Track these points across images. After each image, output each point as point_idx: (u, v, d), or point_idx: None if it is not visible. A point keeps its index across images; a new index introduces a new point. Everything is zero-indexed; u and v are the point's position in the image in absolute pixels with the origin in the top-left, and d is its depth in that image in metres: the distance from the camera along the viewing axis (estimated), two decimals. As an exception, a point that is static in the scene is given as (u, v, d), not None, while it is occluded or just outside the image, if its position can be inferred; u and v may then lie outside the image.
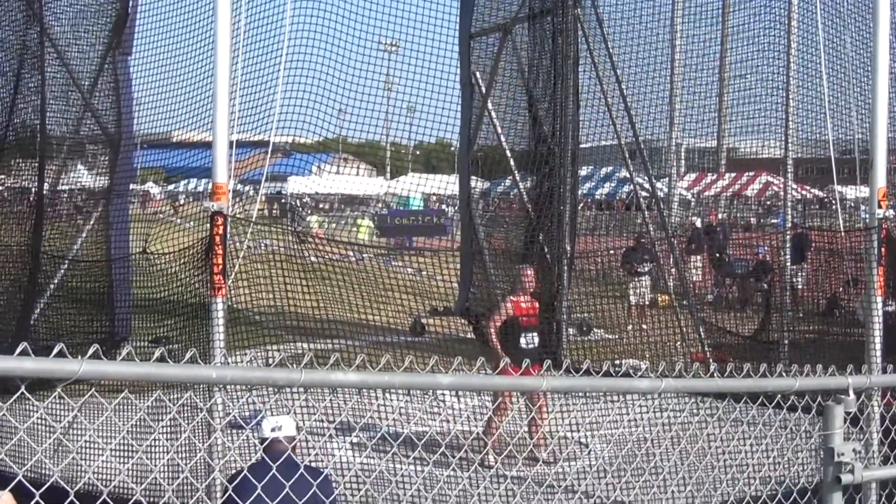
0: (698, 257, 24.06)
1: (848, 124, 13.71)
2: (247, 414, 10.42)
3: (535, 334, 12.45)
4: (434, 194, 34.90)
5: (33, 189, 13.15)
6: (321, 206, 52.02)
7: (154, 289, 11.65)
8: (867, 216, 9.86)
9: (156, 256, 11.50)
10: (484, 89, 15.94)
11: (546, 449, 11.21)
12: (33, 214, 13.03)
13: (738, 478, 6.13)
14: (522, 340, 12.25)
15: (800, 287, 18.83)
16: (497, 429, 11.44)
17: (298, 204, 46.01)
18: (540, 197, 15.78)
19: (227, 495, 7.14)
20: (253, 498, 4.97)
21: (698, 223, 27.23)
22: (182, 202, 30.73)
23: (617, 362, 15.14)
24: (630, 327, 18.50)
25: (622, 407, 9.92)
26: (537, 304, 12.88)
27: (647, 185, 17.13)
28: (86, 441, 8.83)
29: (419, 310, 16.17)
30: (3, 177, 13.34)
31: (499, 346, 12.15)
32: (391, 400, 10.59)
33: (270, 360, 10.99)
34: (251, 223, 10.08)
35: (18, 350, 3.23)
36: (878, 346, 9.66)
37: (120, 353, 3.49)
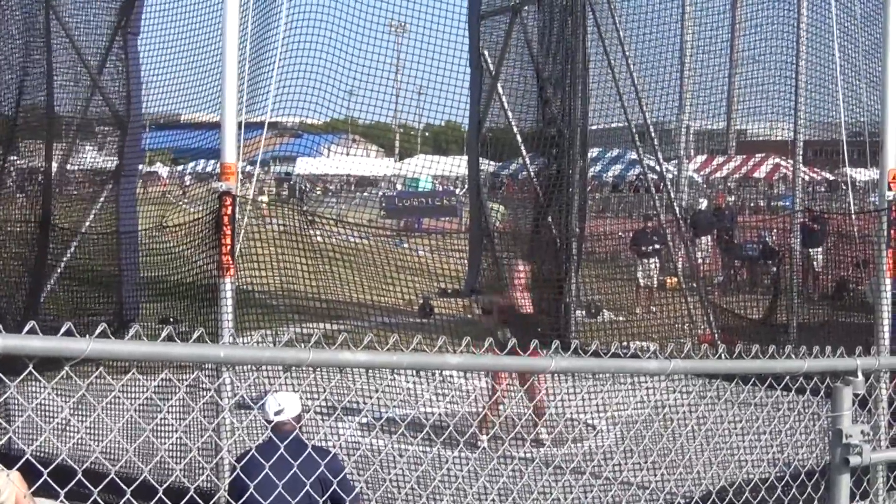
0: (706, 239, 23.97)
1: (858, 106, 13.64)
2: (255, 395, 10.42)
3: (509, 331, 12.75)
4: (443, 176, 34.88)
5: (42, 169, 13.15)
6: (329, 187, 51.98)
7: (162, 269, 11.65)
8: (877, 198, 9.83)
9: (163, 235, 11.50)
10: (493, 70, 15.87)
11: (550, 432, 11.19)
12: (42, 194, 13.04)
13: (746, 459, 6.13)
14: (500, 334, 12.53)
15: (809, 269, 18.77)
16: (494, 407, 11.63)
17: (307, 185, 45.95)
18: (549, 179, 15.74)
19: (234, 475, 7.16)
20: (260, 477, 4.97)
21: (703, 205, 27.14)
22: (189, 183, 30.71)
23: (625, 344, 15.11)
24: (639, 309, 18.47)
25: (630, 388, 9.90)
26: (525, 300, 13.09)
27: (656, 167, 17.08)
28: (93, 421, 8.84)
29: (428, 291, 16.14)
30: (13, 157, 13.33)
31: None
32: (399, 381, 10.58)
33: (278, 340, 10.99)
34: (262, 203, 10.06)
35: (26, 329, 3.22)
36: (886, 329, 9.64)
37: (128, 333, 3.47)
